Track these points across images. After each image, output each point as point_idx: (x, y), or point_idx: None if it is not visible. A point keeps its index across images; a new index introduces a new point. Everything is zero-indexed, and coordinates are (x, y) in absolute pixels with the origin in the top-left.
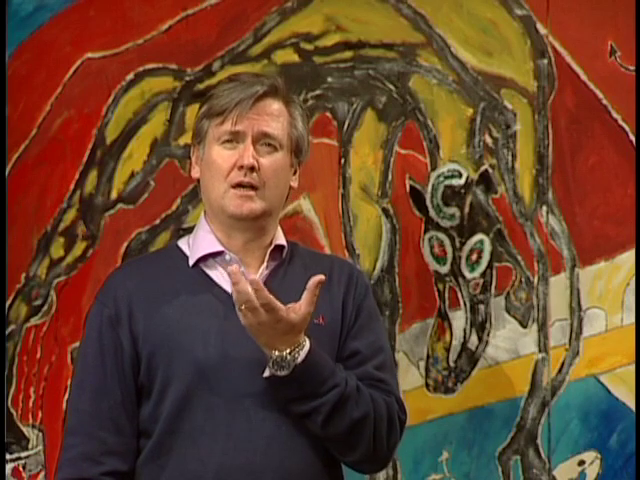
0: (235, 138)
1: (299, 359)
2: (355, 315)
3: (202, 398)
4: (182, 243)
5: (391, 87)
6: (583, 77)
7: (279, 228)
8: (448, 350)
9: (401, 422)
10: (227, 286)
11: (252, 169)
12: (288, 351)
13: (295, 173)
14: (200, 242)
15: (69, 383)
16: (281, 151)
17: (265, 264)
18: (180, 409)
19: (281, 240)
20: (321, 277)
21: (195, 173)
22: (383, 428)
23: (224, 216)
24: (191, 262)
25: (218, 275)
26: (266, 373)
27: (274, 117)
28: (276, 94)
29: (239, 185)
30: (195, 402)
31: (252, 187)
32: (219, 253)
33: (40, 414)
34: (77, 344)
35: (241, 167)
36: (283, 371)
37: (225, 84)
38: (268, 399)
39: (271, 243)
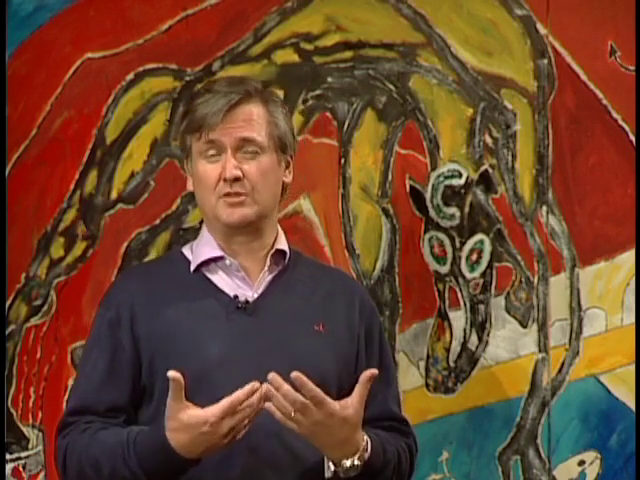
0: (216, 150)
1: (366, 456)
2: (365, 340)
3: (203, 401)
4: (185, 249)
5: (391, 87)
6: (583, 77)
7: (281, 233)
8: (448, 350)
9: (416, 455)
10: (229, 290)
11: (237, 179)
12: (357, 457)
13: (288, 167)
14: (201, 248)
15: (69, 383)
16: (264, 153)
17: (266, 268)
18: None
19: (283, 245)
20: (374, 371)
21: (189, 186)
22: (406, 473)
23: (219, 224)
24: (192, 267)
25: (220, 280)
26: (328, 474)
27: (250, 121)
28: (250, 98)
29: (228, 195)
30: (198, 406)
31: (240, 195)
32: (220, 258)
33: (40, 414)
34: (77, 344)
35: (226, 179)
36: (352, 473)
37: (200, 97)
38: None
39: (272, 247)
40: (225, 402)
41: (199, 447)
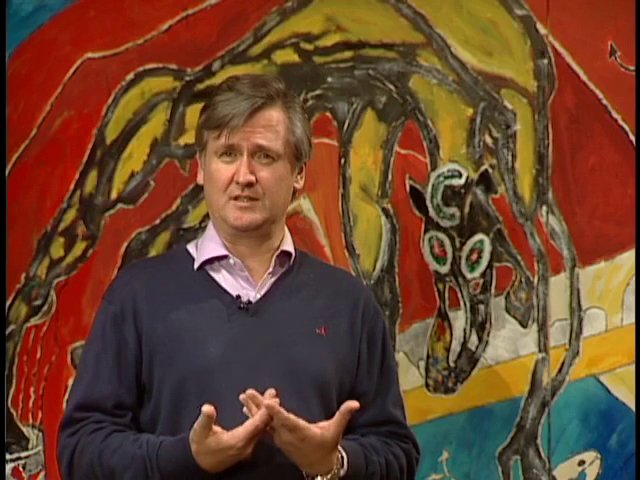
0: (232, 151)
1: (342, 473)
2: (368, 343)
3: (201, 400)
4: (190, 246)
5: (391, 87)
6: (583, 77)
7: (287, 234)
8: (448, 350)
9: (417, 462)
10: (231, 290)
11: (249, 184)
12: (329, 476)
13: (300, 173)
14: (206, 245)
15: (69, 383)
16: (279, 160)
17: (270, 269)
18: (179, 410)
19: (289, 246)
20: (355, 404)
21: (199, 179)
22: None
23: (226, 226)
24: (196, 265)
25: (223, 279)
26: None
27: (269, 127)
28: (272, 103)
29: (238, 198)
30: (194, 404)
31: (252, 199)
32: (224, 257)
33: (40, 414)
34: (77, 344)
35: (238, 182)
36: None
37: (223, 93)
38: None
39: (278, 248)
40: (250, 425)
41: (226, 465)
